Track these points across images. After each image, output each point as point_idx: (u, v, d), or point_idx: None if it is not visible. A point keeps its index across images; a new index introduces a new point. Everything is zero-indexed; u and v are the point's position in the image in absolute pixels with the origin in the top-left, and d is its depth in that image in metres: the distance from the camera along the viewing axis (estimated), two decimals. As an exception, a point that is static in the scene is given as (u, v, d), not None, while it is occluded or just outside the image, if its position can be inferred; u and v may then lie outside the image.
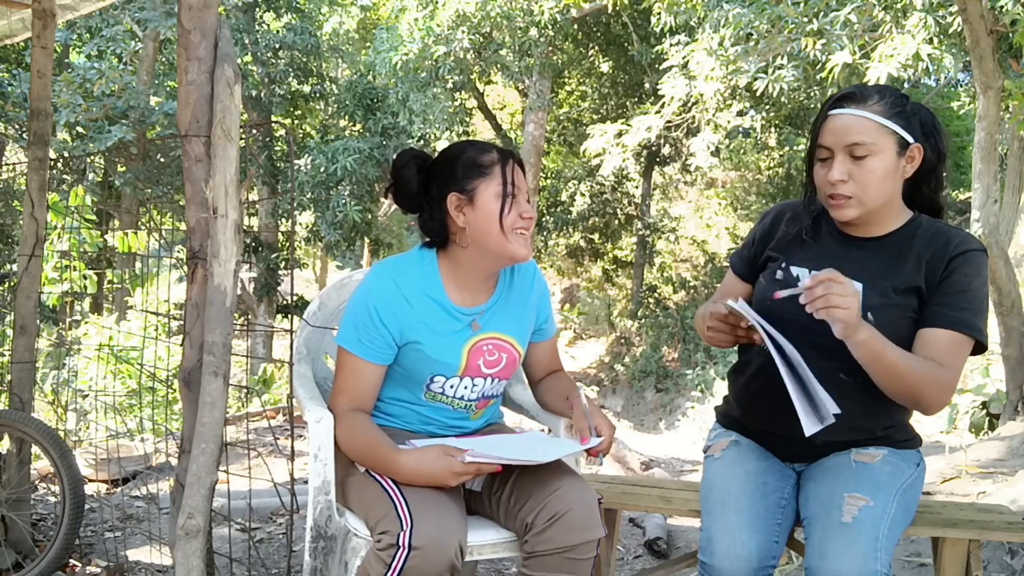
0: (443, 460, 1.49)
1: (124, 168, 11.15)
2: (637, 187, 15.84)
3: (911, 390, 1.48)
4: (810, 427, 1.45)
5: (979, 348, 1.52)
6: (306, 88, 12.99)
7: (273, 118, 12.04)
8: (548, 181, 15.36)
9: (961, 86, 12.25)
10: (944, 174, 1.65)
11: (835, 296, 1.39)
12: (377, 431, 1.61)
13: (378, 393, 1.69)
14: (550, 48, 11.49)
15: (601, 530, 1.55)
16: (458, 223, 1.61)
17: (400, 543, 1.39)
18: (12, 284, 2.91)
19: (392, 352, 1.64)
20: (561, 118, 15.38)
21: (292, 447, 2.07)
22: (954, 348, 1.50)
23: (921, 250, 1.57)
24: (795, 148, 13.53)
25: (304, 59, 12.34)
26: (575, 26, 11.50)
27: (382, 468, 1.55)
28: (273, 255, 12.29)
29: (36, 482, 3.45)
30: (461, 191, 1.60)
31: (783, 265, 1.67)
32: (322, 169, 11.03)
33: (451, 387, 1.68)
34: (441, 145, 14.20)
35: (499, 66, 11.22)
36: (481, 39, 10.25)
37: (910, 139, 1.54)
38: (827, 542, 1.42)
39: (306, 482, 1.69)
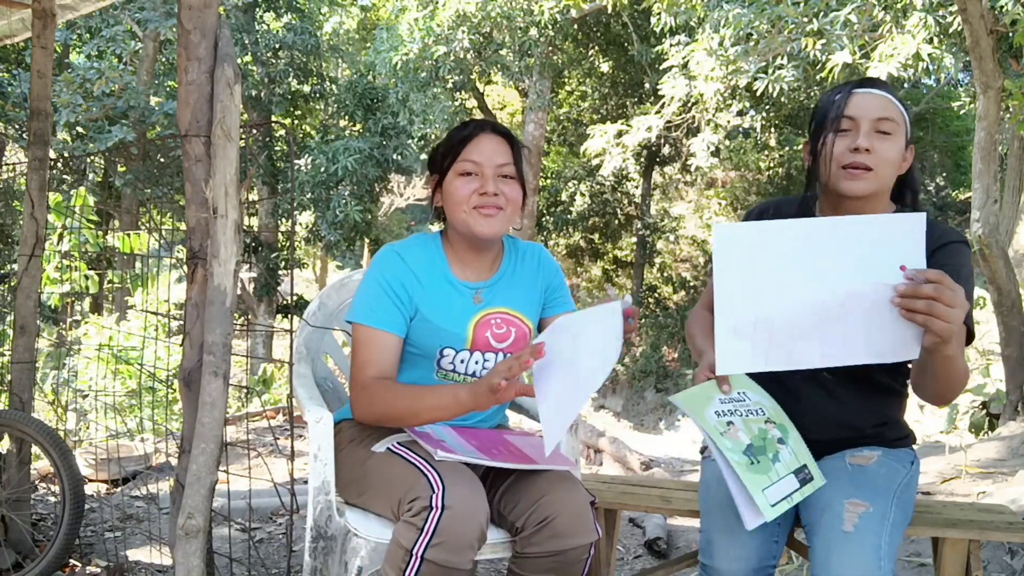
0: (483, 383, 1.46)
1: (124, 168, 11.16)
2: (637, 187, 15.85)
3: (954, 391, 1.44)
4: (752, 521, 1.41)
5: (969, 338, 1.49)
6: (306, 88, 13.00)
7: (273, 118, 12.05)
8: (548, 181, 15.36)
9: (961, 86, 12.26)
10: (919, 190, 1.68)
11: (941, 307, 1.24)
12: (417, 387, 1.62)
13: (399, 365, 1.67)
14: (550, 48, 11.49)
15: (594, 533, 1.53)
16: (437, 204, 1.72)
17: (433, 504, 1.40)
18: (12, 284, 2.92)
19: (404, 321, 1.64)
20: (561, 118, 15.39)
21: (292, 447, 2.07)
22: (962, 342, 1.47)
23: None
24: (795, 148, 13.53)
25: (304, 59, 12.35)
26: (575, 26, 11.49)
27: (450, 404, 1.52)
28: (273, 255, 12.30)
29: (36, 482, 3.45)
30: (439, 173, 1.69)
31: None
32: (322, 169, 11.04)
33: (461, 362, 1.68)
34: (441, 145, 14.20)
35: (499, 66, 11.22)
36: (481, 39, 10.25)
37: (909, 138, 1.60)
38: (831, 553, 1.41)
39: (306, 482, 1.69)
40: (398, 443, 1.61)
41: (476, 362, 1.69)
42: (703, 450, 1.82)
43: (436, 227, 1.81)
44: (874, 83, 1.60)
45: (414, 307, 1.65)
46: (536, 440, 1.74)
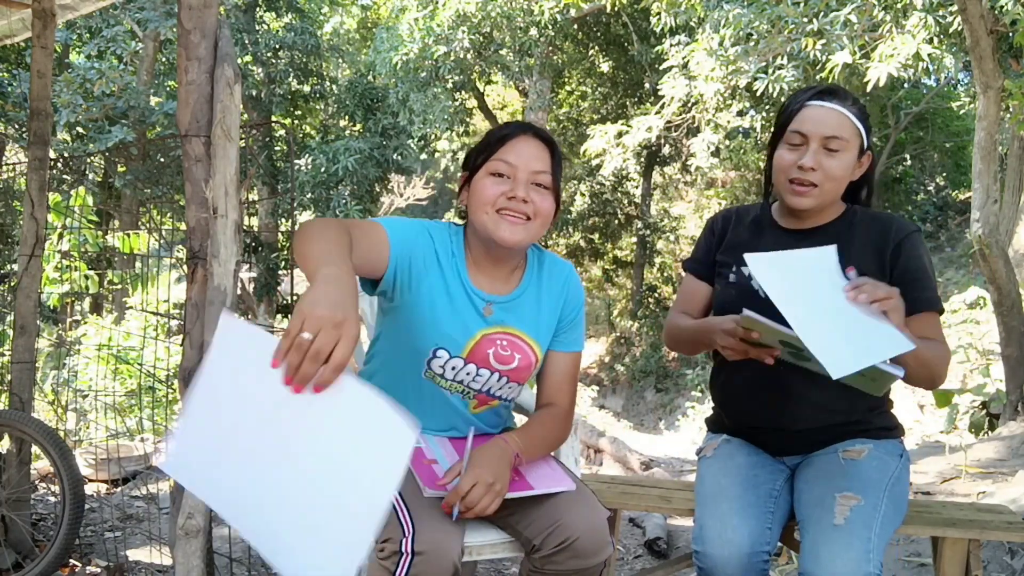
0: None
1: (124, 168, 11.17)
2: (637, 187, 15.87)
3: (931, 370, 1.52)
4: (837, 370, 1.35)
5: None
6: (306, 88, 13.00)
7: (273, 118, 12.06)
8: (548, 181, 15.36)
9: (961, 86, 12.26)
10: (873, 189, 1.76)
11: (880, 290, 1.40)
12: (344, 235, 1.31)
13: (360, 251, 1.42)
14: (550, 48, 11.50)
15: (610, 548, 1.50)
16: (463, 203, 1.60)
17: (403, 549, 1.37)
18: (12, 284, 2.92)
19: (398, 253, 1.51)
20: (561, 118, 15.40)
21: (292, 447, 2.06)
22: (936, 324, 1.59)
23: (863, 236, 1.64)
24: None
25: (304, 59, 12.35)
26: (575, 26, 11.51)
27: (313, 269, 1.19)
28: (273, 255, 12.30)
29: (36, 482, 3.45)
30: (470, 170, 1.59)
31: (735, 268, 1.73)
32: (322, 169, 11.05)
33: (452, 369, 1.57)
34: (441, 145, 14.23)
35: (499, 66, 11.24)
36: (481, 39, 10.27)
37: (866, 146, 1.65)
38: (820, 545, 1.43)
39: (306, 482, 1.69)
40: None
41: (468, 373, 1.58)
42: (699, 451, 1.83)
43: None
44: (833, 93, 1.62)
45: (418, 278, 1.54)
46: (537, 460, 1.62)
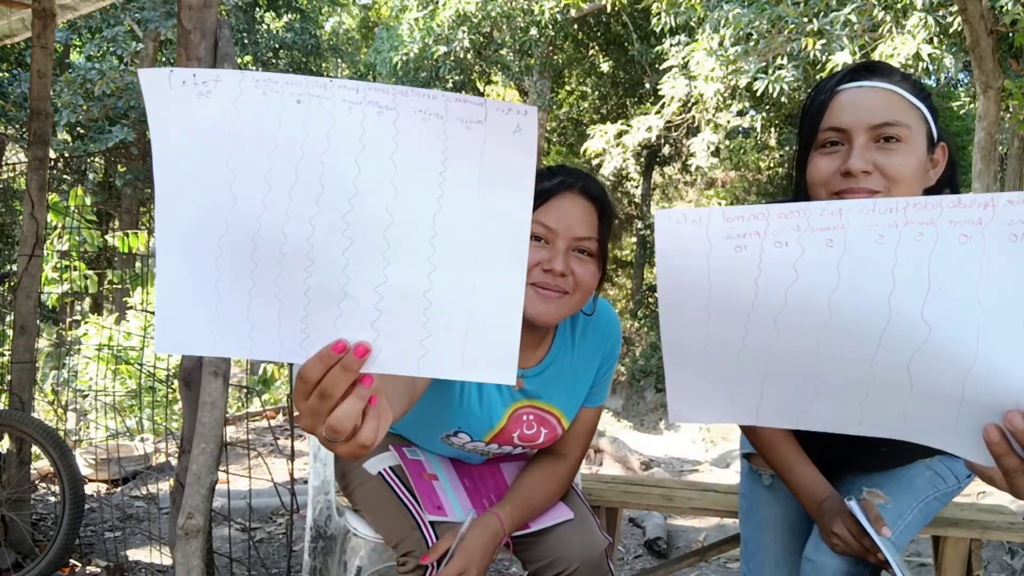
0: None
1: (124, 168, 11.17)
2: (637, 187, 15.86)
3: None
4: None
5: None
6: (306, 88, 13.00)
7: (273, 118, 12.06)
8: (548, 181, 15.36)
9: (961, 86, 12.25)
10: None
11: None
12: None
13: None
14: (550, 48, 11.50)
15: (609, 574, 1.45)
16: None
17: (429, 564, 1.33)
18: (12, 284, 2.92)
19: None
20: (561, 118, 15.40)
21: (292, 447, 2.07)
22: None
23: None
24: (795, 148, 13.53)
25: (304, 59, 12.36)
26: (575, 26, 11.51)
27: None
28: (273, 255, 12.31)
29: (36, 482, 3.45)
30: None
31: None
32: (322, 169, 11.05)
33: (473, 446, 1.49)
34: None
35: (499, 66, 11.23)
36: (481, 39, 10.26)
37: (936, 135, 1.17)
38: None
39: (306, 482, 1.69)
40: (390, 467, 1.49)
41: (489, 448, 1.49)
42: (748, 456, 1.61)
43: None
44: (872, 69, 1.17)
45: None
46: None
